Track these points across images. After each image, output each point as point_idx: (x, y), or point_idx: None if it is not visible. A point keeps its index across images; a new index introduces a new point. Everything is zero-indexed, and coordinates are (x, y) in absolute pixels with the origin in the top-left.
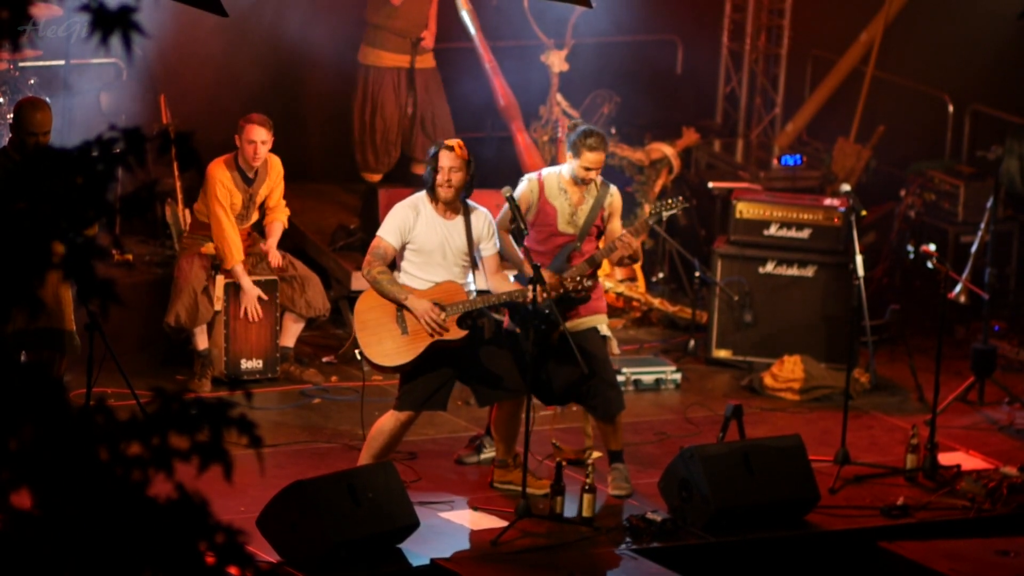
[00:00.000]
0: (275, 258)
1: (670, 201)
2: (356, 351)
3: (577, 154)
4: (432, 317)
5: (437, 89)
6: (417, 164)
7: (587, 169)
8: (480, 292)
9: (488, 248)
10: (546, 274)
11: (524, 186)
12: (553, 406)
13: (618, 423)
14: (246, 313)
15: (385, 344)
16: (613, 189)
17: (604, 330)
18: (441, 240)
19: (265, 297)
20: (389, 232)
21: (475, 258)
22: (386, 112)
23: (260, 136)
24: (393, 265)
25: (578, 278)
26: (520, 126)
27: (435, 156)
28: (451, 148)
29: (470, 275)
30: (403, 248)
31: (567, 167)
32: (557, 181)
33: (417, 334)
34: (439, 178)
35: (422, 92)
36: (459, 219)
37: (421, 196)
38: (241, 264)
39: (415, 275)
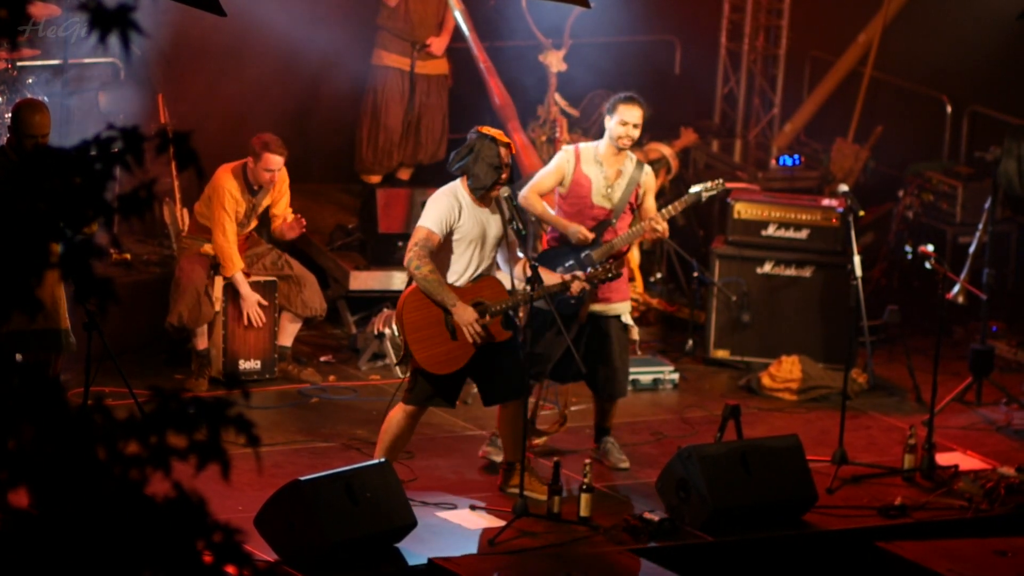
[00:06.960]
0: (291, 227)
1: (712, 183)
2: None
3: (613, 111)
4: (476, 330)
5: (438, 97)
6: (403, 169)
7: (624, 124)
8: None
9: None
10: (546, 274)
11: (560, 156)
12: (566, 383)
13: (616, 404)
14: (249, 319)
15: (436, 349)
16: (647, 168)
17: (627, 319)
18: (481, 229)
19: (265, 303)
20: (435, 223)
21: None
22: (389, 113)
23: (277, 164)
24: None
25: (600, 268)
26: (516, 126)
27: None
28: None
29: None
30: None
31: (604, 138)
32: (593, 153)
33: (465, 338)
34: None
35: (422, 97)
36: (492, 206)
37: (456, 186)
38: (240, 272)
39: (449, 266)
